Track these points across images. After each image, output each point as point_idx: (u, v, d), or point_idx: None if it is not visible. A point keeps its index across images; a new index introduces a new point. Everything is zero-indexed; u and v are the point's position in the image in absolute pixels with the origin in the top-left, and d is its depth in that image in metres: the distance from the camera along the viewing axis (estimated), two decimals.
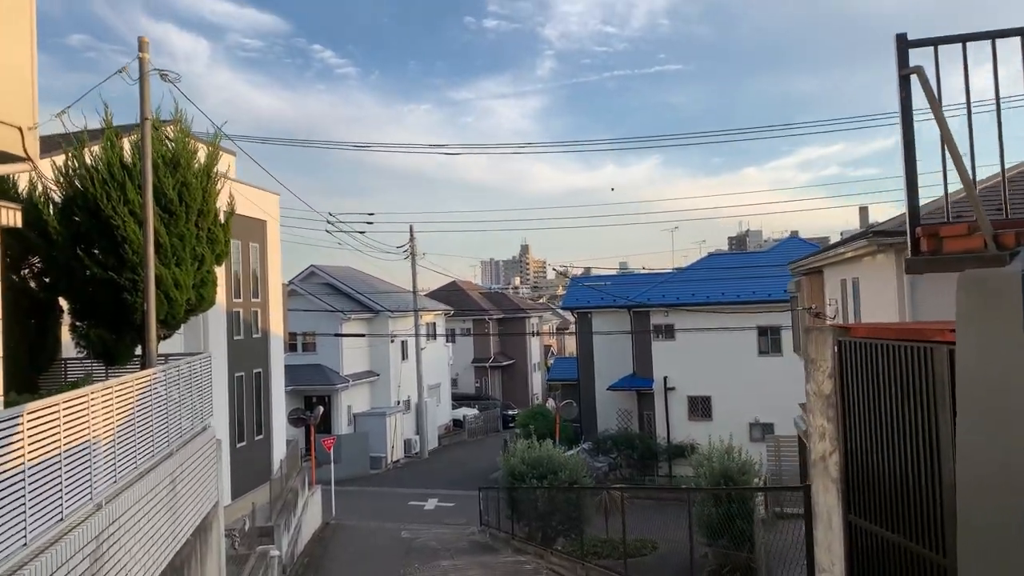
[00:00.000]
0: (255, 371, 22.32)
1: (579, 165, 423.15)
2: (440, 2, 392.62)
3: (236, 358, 20.84)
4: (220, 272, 16.15)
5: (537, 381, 59.54)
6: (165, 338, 11.46)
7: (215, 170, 11.56)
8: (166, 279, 10.24)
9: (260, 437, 22.46)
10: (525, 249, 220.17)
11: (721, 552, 12.86)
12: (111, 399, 7.13)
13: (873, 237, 11.54)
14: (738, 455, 17.40)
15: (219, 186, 11.72)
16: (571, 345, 65.90)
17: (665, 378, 33.43)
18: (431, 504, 29.60)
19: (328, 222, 29.70)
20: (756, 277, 32.85)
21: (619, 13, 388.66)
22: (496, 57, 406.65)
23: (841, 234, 31.82)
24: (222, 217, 11.73)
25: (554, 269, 79.29)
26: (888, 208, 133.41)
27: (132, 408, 7.84)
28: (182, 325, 11.94)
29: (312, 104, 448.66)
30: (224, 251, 11.61)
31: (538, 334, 62.57)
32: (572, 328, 58.50)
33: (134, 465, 7.72)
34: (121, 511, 7.08)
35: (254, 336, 22.57)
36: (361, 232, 32.46)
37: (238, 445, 20.79)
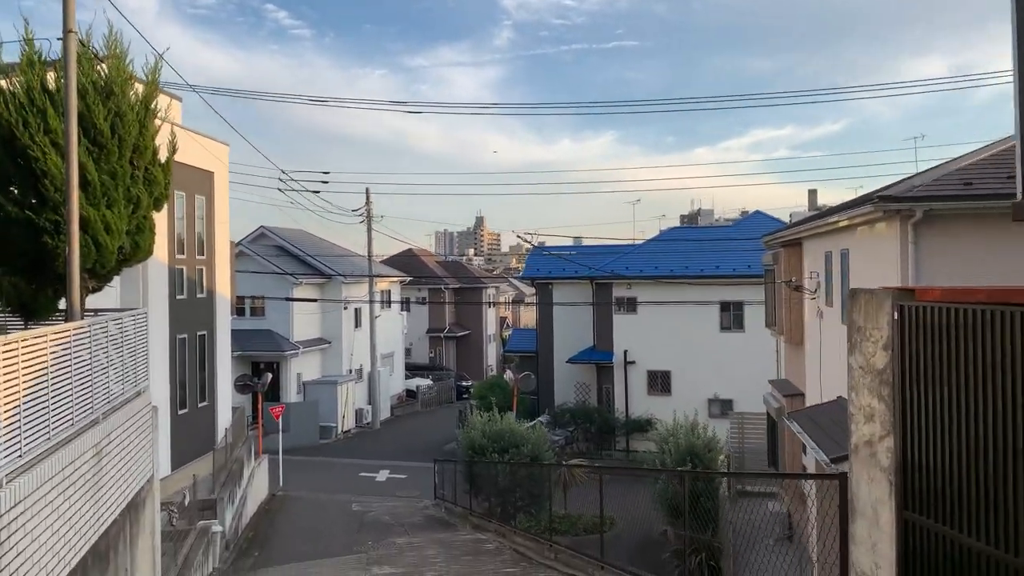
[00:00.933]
0: (199, 333, 20.86)
1: (535, 138, 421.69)
2: None
3: (179, 319, 19.37)
4: (162, 223, 14.73)
5: (492, 352, 58.68)
6: (95, 291, 10.11)
7: (155, 103, 10.16)
8: (95, 221, 8.89)
9: (204, 404, 21.08)
10: (480, 221, 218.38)
11: (683, 531, 12.17)
12: (16, 357, 5.88)
13: (879, 202, 10.69)
14: (703, 432, 16.89)
15: (160, 121, 10.33)
16: (526, 317, 65.08)
17: (625, 352, 32.80)
18: (383, 476, 28.64)
19: (281, 180, 28.18)
20: (721, 251, 32.31)
21: None
22: (454, 25, 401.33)
23: (791, 216, 31.27)
24: (163, 156, 10.35)
25: (518, 236, 78.66)
26: (835, 191, 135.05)
27: (46, 368, 6.60)
28: (115, 277, 10.58)
29: (265, 64, 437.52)
30: (164, 194, 10.23)
31: (494, 304, 61.58)
32: (529, 299, 57.62)
33: (47, 436, 6.50)
34: (28, 491, 5.88)
35: (199, 296, 21.08)
36: (315, 192, 31.02)
37: (179, 412, 19.40)
